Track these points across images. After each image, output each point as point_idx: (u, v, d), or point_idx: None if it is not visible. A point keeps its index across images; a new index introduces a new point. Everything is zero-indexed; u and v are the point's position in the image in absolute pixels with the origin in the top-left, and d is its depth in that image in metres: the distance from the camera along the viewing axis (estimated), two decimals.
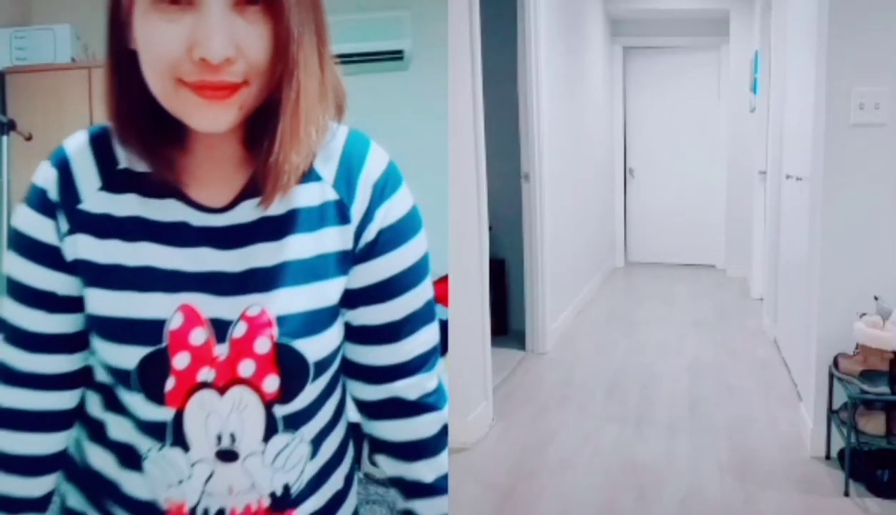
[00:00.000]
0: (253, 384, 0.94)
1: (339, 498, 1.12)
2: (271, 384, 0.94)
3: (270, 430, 0.96)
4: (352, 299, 1.01)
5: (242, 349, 0.93)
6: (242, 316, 0.94)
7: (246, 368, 0.93)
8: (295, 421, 0.99)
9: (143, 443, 0.97)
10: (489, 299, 3.88)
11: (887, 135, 3.17)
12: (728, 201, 7.94)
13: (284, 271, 0.95)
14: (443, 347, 3.74)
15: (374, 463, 1.17)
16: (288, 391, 0.96)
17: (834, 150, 3.20)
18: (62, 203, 0.96)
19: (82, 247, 0.96)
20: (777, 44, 5.17)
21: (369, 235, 1.00)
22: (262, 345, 0.93)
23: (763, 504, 2.97)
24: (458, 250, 3.50)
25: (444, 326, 3.73)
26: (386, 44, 4.28)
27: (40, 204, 0.97)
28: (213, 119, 0.87)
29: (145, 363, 0.93)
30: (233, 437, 0.95)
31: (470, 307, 3.62)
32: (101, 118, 3.55)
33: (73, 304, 0.98)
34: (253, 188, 0.95)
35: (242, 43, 0.85)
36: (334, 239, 0.98)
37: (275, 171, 0.91)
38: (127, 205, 0.96)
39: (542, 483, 3.19)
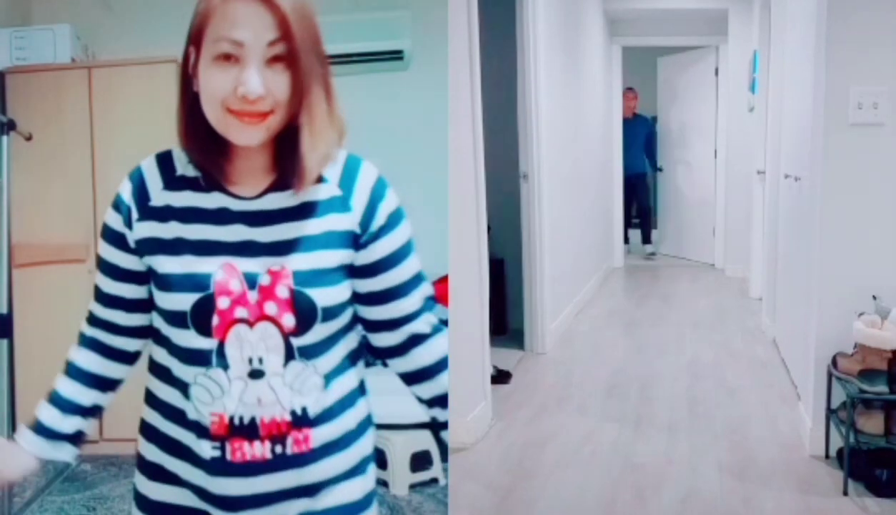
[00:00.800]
0: (275, 320, 1.28)
1: (350, 437, 1.41)
2: (289, 320, 1.28)
3: (289, 356, 1.30)
4: (372, 270, 1.37)
5: (268, 294, 1.28)
6: (268, 271, 1.29)
7: (270, 308, 1.28)
8: (308, 353, 1.31)
9: (191, 372, 1.32)
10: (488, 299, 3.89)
11: (886, 134, 3.17)
12: (727, 201, 7.95)
13: (299, 242, 1.30)
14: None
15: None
16: (301, 327, 1.29)
17: (832, 149, 3.21)
18: (135, 202, 1.36)
19: (151, 229, 1.34)
20: (776, 43, 5.17)
21: (377, 223, 1.35)
22: (282, 291, 1.28)
23: (762, 503, 2.98)
24: (458, 250, 3.51)
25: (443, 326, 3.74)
26: (386, 44, 4.28)
27: (116, 204, 1.38)
28: (249, 136, 1.26)
29: (197, 304, 1.28)
30: (260, 360, 1.29)
31: (469, 307, 3.62)
32: (101, 118, 3.54)
33: (132, 276, 1.38)
34: (276, 185, 1.32)
35: (270, 85, 1.23)
36: (337, 222, 1.33)
37: (300, 171, 1.28)
38: (183, 198, 1.34)
39: (541, 482, 3.20)
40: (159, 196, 1.35)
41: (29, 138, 3.18)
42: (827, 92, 3.19)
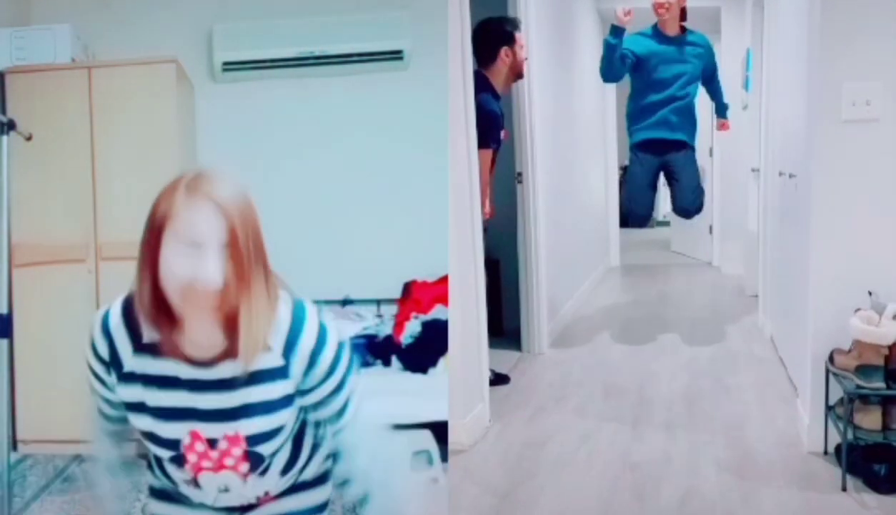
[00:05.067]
0: (234, 468, 1.64)
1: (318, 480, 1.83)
2: (244, 468, 1.64)
3: (246, 479, 1.67)
4: (315, 405, 1.68)
5: (226, 454, 1.62)
6: (225, 436, 1.61)
7: (228, 462, 1.63)
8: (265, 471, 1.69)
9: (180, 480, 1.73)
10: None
11: (879, 131, 3.18)
12: (722, 199, 7.96)
13: (248, 408, 1.59)
14: (443, 347, 3.74)
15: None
16: (254, 470, 1.66)
17: (826, 146, 3.22)
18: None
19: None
20: (769, 41, 5.19)
21: (316, 378, 1.62)
22: (237, 452, 1.62)
23: (761, 500, 2.99)
24: (456, 251, 3.51)
25: (443, 326, 3.75)
26: (386, 44, 4.29)
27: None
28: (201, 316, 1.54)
29: (173, 457, 1.64)
30: (227, 487, 1.67)
31: (466, 309, 3.62)
32: (101, 118, 3.56)
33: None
34: (226, 355, 1.56)
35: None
36: (279, 389, 1.59)
37: (240, 347, 1.53)
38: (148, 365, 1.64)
39: (539, 483, 3.20)
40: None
41: (29, 138, 3.19)
42: (820, 89, 3.20)
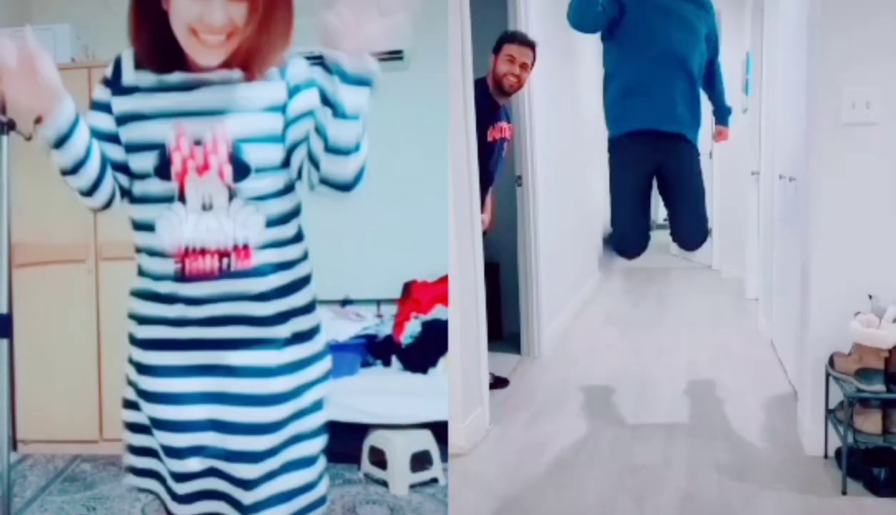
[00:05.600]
0: (220, 173, 1.63)
1: (297, 312, 1.75)
2: (229, 171, 1.62)
3: (231, 197, 1.64)
4: (294, 121, 1.68)
5: (212, 151, 1.62)
6: (212, 132, 1.62)
7: (213, 161, 1.62)
8: (248, 196, 1.64)
9: (159, 210, 1.66)
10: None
11: (879, 134, 3.18)
12: (721, 202, 7.95)
13: (238, 109, 1.64)
14: (443, 347, 3.75)
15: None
16: (237, 176, 1.63)
17: (826, 149, 3.22)
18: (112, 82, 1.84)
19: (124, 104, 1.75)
20: (768, 44, 5.20)
21: (295, 84, 1.70)
22: (222, 149, 1.61)
23: (761, 503, 2.99)
24: (456, 252, 3.51)
25: (443, 326, 3.75)
26: None
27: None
28: (209, 58, 1.60)
29: (159, 166, 1.65)
30: (210, 197, 1.63)
31: (466, 310, 3.62)
32: None
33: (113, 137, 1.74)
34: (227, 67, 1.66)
35: (231, 13, 1.57)
36: (269, 95, 1.66)
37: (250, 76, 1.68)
38: (147, 78, 1.74)
39: (539, 487, 3.19)
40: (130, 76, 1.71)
41: (29, 138, 3.16)
42: (820, 92, 3.20)
